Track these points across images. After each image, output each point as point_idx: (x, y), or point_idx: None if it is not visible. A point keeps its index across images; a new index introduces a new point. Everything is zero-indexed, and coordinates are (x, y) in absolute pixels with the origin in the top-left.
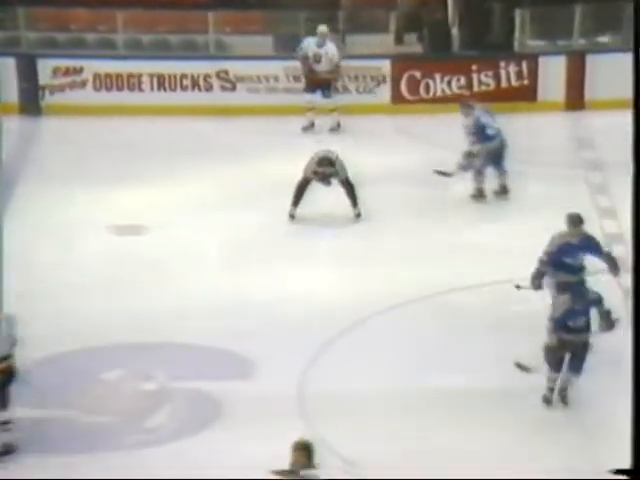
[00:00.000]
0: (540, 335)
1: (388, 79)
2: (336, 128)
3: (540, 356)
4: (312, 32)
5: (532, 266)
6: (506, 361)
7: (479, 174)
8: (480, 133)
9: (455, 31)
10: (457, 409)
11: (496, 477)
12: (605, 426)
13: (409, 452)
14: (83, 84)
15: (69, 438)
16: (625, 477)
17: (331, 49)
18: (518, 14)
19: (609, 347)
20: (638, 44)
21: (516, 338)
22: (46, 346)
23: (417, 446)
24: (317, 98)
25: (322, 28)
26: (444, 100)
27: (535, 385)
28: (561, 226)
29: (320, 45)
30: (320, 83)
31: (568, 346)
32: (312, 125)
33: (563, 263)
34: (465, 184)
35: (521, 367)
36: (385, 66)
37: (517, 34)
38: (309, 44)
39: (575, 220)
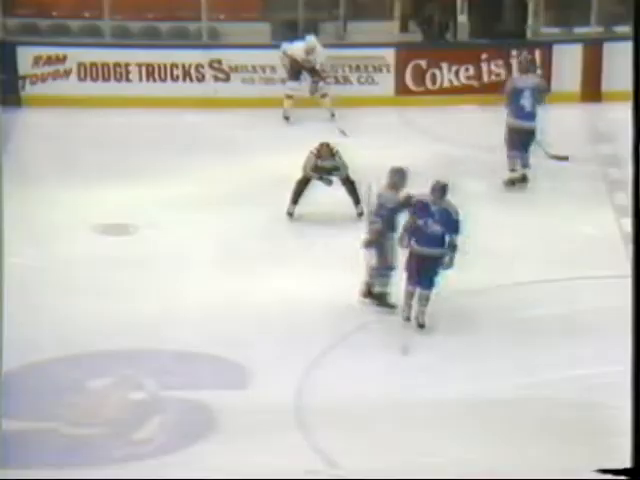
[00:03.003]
0: (554, 340)
1: (392, 69)
2: (330, 118)
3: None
4: (312, 19)
5: (545, 268)
6: (517, 368)
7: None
8: None
9: (464, 18)
10: (463, 420)
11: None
12: (605, 426)
13: (412, 465)
14: (66, 74)
15: (52, 451)
16: (625, 477)
17: (320, 56)
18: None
19: (609, 348)
20: (638, 40)
21: (528, 343)
22: (28, 353)
23: (420, 459)
24: (299, 86)
25: (310, 42)
26: (451, 91)
27: (538, 390)
28: (576, 225)
29: (308, 54)
30: (307, 70)
31: None
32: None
33: None
34: (475, 180)
35: None
36: (389, 55)
37: (530, 21)
38: (297, 50)
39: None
